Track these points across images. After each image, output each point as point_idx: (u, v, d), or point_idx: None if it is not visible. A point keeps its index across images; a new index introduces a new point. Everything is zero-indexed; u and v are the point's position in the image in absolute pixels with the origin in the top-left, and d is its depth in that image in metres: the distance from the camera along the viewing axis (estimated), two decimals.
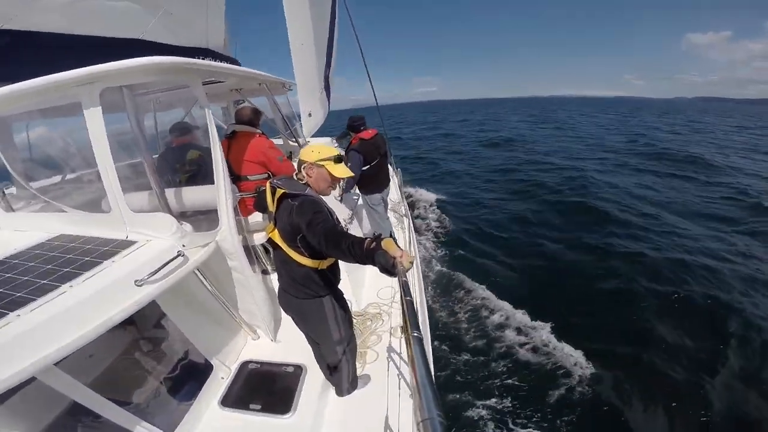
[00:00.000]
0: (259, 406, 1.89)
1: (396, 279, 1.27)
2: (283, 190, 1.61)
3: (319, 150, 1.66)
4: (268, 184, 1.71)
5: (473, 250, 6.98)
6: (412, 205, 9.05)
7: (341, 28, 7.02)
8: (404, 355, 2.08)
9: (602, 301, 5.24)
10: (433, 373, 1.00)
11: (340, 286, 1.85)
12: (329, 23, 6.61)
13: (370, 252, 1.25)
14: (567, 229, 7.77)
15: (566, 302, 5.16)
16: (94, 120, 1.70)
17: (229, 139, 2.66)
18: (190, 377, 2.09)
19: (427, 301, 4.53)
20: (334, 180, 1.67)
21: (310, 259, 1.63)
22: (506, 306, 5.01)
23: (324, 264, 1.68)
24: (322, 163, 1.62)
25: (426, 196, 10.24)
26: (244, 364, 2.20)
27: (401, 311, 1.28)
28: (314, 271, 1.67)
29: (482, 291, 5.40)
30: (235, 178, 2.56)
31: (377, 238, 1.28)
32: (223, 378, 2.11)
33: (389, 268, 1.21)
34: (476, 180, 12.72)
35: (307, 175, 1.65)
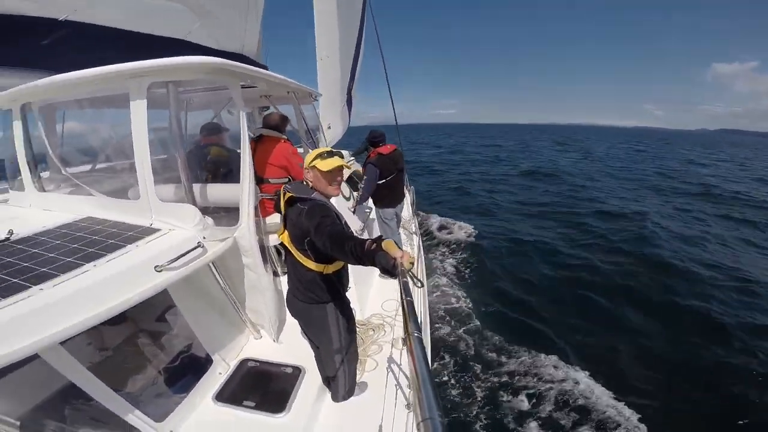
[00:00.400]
0: (253, 404, 1.91)
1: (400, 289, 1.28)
2: (290, 194, 1.65)
3: (311, 155, 1.71)
4: (282, 189, 1.75)
5: (507, 304, 5.67)
6: (443, 243, 8.30)
7: (365, 44, 7.28)
8: (404, 365, 2.08)
9: (697, 384, 4.08)
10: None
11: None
12: (356, 38, 6.86)
13: (371, 252, 1.27)
14: (633, 287, 6.22)
15: (641, 384, 4.04)
16: (139, 111, 1.81)
17: (255, 142, 2.77)
18: (188, 370, 2.11)
19: (439, 372, 4.10)
20: (329, 176, 1.67)
21: (315, 263, 1.66)
22: (540, 386, 3.93)
23: (329, 269, 1.70)
24: (312, 164, 1.67)
25: (457, 231, 8.91)
26: (244, 362, 2.23)
27: (402, 315, 1.29)
28: (319, 276, 1.70)
29: (510, 364, 4.26)
30: (258, 180, 2.65)
31: (378, 239, 1.30)
32: (221, 373, 2.13)
33: (389, 269, 1.23)
34: (512, 215, 10.90)
35: (308, 180, 1.71)
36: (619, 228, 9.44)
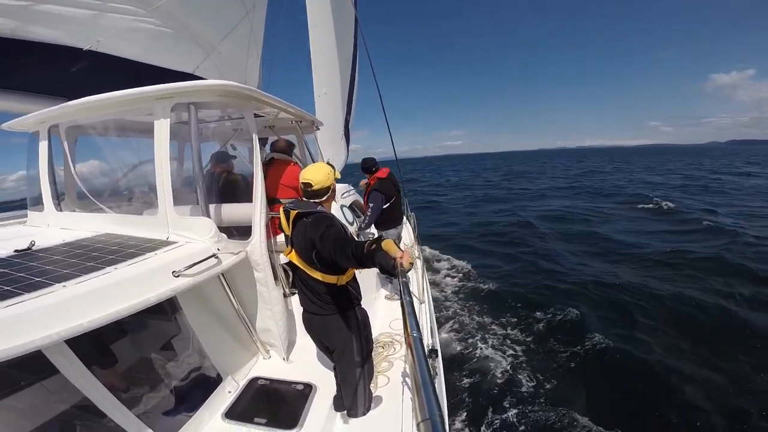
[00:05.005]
0: (264, 421, 1.85)
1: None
2: (296, 211, 1.71)
3: (331, 171, 1.85)
4: (281, 209, 1.79)
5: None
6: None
7: (363, 79, 7.76)
8: None
9: None
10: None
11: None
12: (350, 72, 7.33)
13: (371, 253, 1.29)
14: None
15: None
16: (162, 130, 1.93)
17: (267, 165, 2.88)
18: (196, 388, 2.07)
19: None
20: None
21: (329, 275, 1.68)
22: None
23: (343, 279, 1.73)
24: (335, 176, 1.87)
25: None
26: (253, 380, 2.18)
27: (402, 316, 1.27)
28: (335, 287, 1.72)
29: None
30: (269, 200, 2.73)
31: (377, 240, 1.31)
32: (230, 392, 2.08)
33: (389, 269, 1.24)
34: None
35: (325, 199, 1.80)
36: None
